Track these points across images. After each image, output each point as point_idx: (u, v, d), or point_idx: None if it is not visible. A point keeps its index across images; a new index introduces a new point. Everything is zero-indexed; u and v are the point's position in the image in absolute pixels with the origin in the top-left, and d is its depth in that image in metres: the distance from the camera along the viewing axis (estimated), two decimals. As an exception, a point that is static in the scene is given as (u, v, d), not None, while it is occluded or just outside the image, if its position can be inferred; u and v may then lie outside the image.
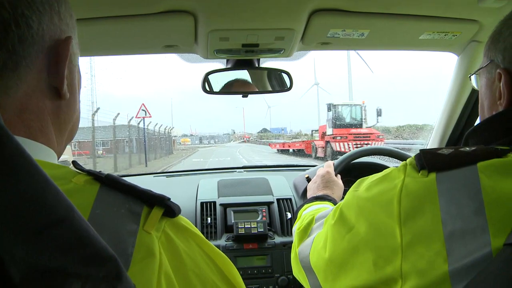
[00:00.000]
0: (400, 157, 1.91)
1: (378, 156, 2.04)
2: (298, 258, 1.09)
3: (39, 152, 0.55)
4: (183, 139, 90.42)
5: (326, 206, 1.32)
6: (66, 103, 0.61)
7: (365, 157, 1.99)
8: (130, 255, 0.47)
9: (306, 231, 1.12)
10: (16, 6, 0.51)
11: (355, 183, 0.89)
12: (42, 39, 0.55)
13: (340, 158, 1.89)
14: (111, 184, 0.54)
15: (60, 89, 0.58)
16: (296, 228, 1.20)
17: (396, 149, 1.97)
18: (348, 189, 0.91)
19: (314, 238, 1.02)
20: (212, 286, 0.57)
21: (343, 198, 1.54)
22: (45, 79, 0.56)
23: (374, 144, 18.65)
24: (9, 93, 0.52)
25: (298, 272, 1.12)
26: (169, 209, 0.55)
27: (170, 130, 35.00)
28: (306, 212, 1.28)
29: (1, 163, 0.32)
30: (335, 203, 1.39)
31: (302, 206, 1.39)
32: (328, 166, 1.71)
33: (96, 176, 0.54)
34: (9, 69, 0.51)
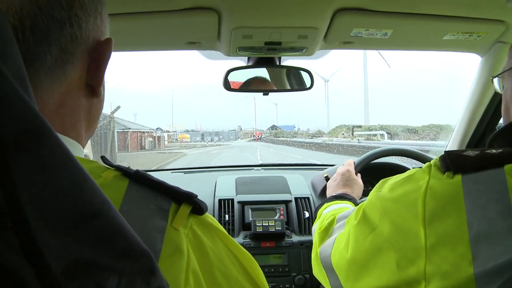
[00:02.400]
0: (421, 158, 1.90)
1: (397, 157, 2.03)
2: (319, 258, 1.09)
3: (70, 147, 0.56)
4: (180, 135, 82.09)
5: (347, 205, 1.32)
6: (97, 101, 0.63)
7: (384, 158, 1.98)
8: (159, 251, 0.48)
9: (327, 231, 1.11)
10: (71, 6, 0.53)
11: (378, 183, 0.88)
12: (88, 39, 0.57)
13: (361, 157, 1.88)
14: (139, 180, 0.54)
15: (97, 87, 0.60)
16: (316, 227, 1.20)
17: (417, 151, 1.96)
18: (367, 189, 0.90)
19: (335, 238, 1.02)
20: (237, 284, 0.58)
21: (362, 197, 1.54)
22: (84, 77, 0.58)
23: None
24: (54, 88, 0.54)
25: (318, 272, 1.12)
26: (197, 207, 0.56)
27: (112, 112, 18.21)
28: (327, 212, 1.28)
29: (43, 158, 0.33)
30: (354, 202, 1.39)
31: (321, 205, 1.39)
32: (349, 165, 1.70)
33: (125, 172, 0.55)
34: (59, 66, 0.53)
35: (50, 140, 0.34)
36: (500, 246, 0.61)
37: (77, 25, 0.54)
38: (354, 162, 1.77)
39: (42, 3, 0.50)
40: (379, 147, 1.98)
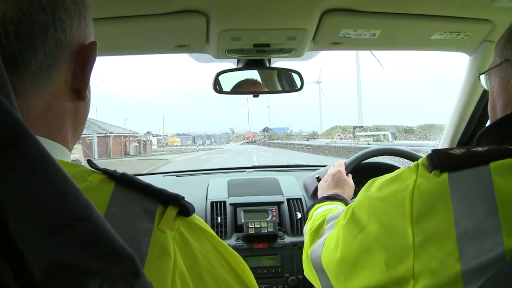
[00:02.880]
0: (411, 157, 1.91)
1: (388, 156, 2.03)
2: (309, 258, 1.09)
3: (56, 151, 0.56)
4: (170, 139, 77.04)
5: (337, 206, 1.32)
6: (83, 105, 0.63)
7: (375, 157, 1.99)
8: (145, 253, 0.48)
9: (318, 232, 1.12)
10: (55, 11, 0.53)
11: (367, 183, 0.89)
12: (72, 43, 0.57)
13: (352, 157, 1.89)
14: (126, 183, 0.54)
15: (83, 91, 0.60)
16: (307, 228, 1.20)
17: (407, 150, 1.97)
18: (359, 189, 0.91)
19: (325, 239, 1.02)
20: (226, 285, 0.58)
21: (354, 198, 1.54)
22: (69, 81, 0.58)
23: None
24: (39, 93, 0.54)
25: (309, 273, 1.12)
26: (184, 208, 0.56)
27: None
28: (317, 213, 1.28)
29: (23, 163, 0.33)
30: (345, 202, 1.39)
31: (313, 206, 1.39)
32: (339, 165, 1.71)
33: (111, 175, 0.55)
34: (44, 70, 0.53)
35: (31, 146, 0.34)
36: (487, 243, 0.62)
37: (61, 30, 0.54)
38: (345, 163, 1.77)
39: (25, 8, 0.50)
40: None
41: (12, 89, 0.49)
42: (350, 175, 1.69)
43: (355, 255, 0.83)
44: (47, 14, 0.52)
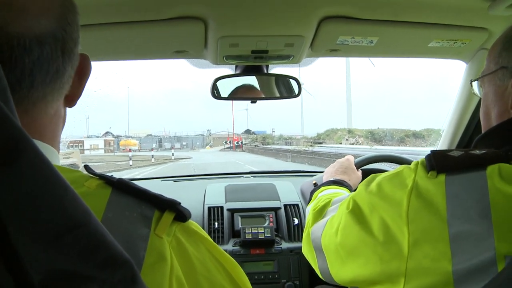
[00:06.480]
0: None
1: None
2: (310, 237, 1.10)
3: (52, 156, 0.58)
4: (123, 142, 59.03)
5: (343, 191, 1.33)
6: (68, 110, 0.66)
7: (382, 165, 1.97)
8: (142, 259, 0.48)
9: (322, 212, 1.12)
10: (78, 28, 0.59)
11: (368, 177, 0.90)
12: (77, 55, 0.60)
13: (363, 156, 1.84)
14: (122, 188, 0.55)
15: (76, 99, 0.63)
16: (311, 208, 1.21)
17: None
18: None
19: (327, 220, 1.03)
20: None
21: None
22: (68, 89, 0.61)
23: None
24: (52, 102, 0.57)
25: (308, 251, 1.13)
26: (180, 214, 0.56)
27: None
28: (323, 194, 1.29)
29: (23, 170, 0.33)
30: (350, 189, 1.39)
31: (318, 188, 1.39)
32: (348, 158, 1.67)
33: (108, 180, 0.55)
34: (58, 80, 0.56)
35: (30, 153, 0.34)
36: (479, 246, 0.63)
37: (72, 44, 0.58)
38: (354, 158, 1.74)
39: (65, 24, 0.55)
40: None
41: (33, 99, 0.53)
42: (360, 170, 1.68)
43: (353, 243, 0.85)
44: (63, 30, 0.56)
